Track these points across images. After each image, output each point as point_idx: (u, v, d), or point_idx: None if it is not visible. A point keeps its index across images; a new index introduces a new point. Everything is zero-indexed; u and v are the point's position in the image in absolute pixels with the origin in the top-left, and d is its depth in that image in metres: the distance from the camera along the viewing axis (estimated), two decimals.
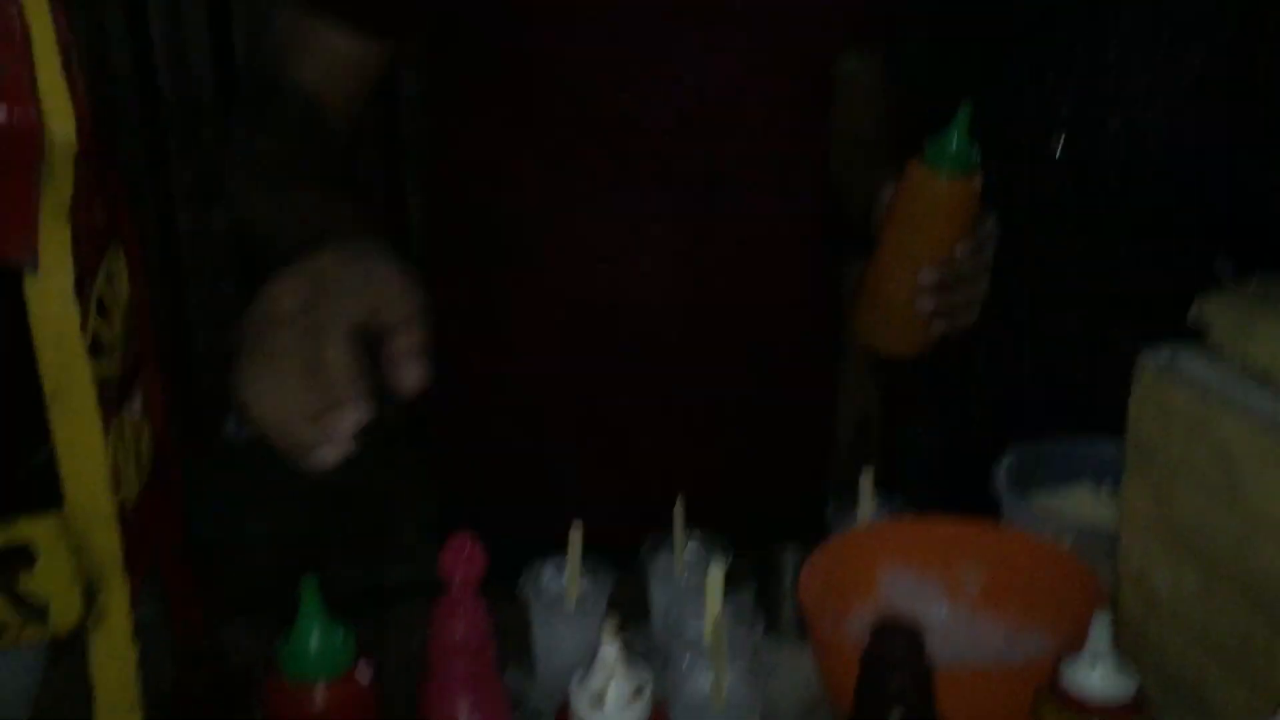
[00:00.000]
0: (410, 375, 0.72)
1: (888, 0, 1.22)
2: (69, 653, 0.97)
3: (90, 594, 0.66)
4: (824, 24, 1.14)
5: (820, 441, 1.33)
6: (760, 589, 1.00)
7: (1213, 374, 0.78)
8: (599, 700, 0.64)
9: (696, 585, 0.89)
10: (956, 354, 1.42)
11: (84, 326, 0.64)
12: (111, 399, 0.67)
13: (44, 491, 0.65)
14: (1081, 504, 1.07)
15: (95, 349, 0.65)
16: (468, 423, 1.25)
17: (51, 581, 0.65)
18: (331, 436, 0.70)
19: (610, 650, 0.64)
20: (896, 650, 0.62)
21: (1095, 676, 0.66)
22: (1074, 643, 0.70)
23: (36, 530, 0.64)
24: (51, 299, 0.63)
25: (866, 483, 1.03)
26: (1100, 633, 0.66)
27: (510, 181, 1.13)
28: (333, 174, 0.99)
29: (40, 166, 0.63)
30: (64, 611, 0.65)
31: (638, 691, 0.65)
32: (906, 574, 0.96)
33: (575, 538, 0.91)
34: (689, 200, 1.11)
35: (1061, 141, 1.31)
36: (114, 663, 0.66)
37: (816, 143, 1.20)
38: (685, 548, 0.97)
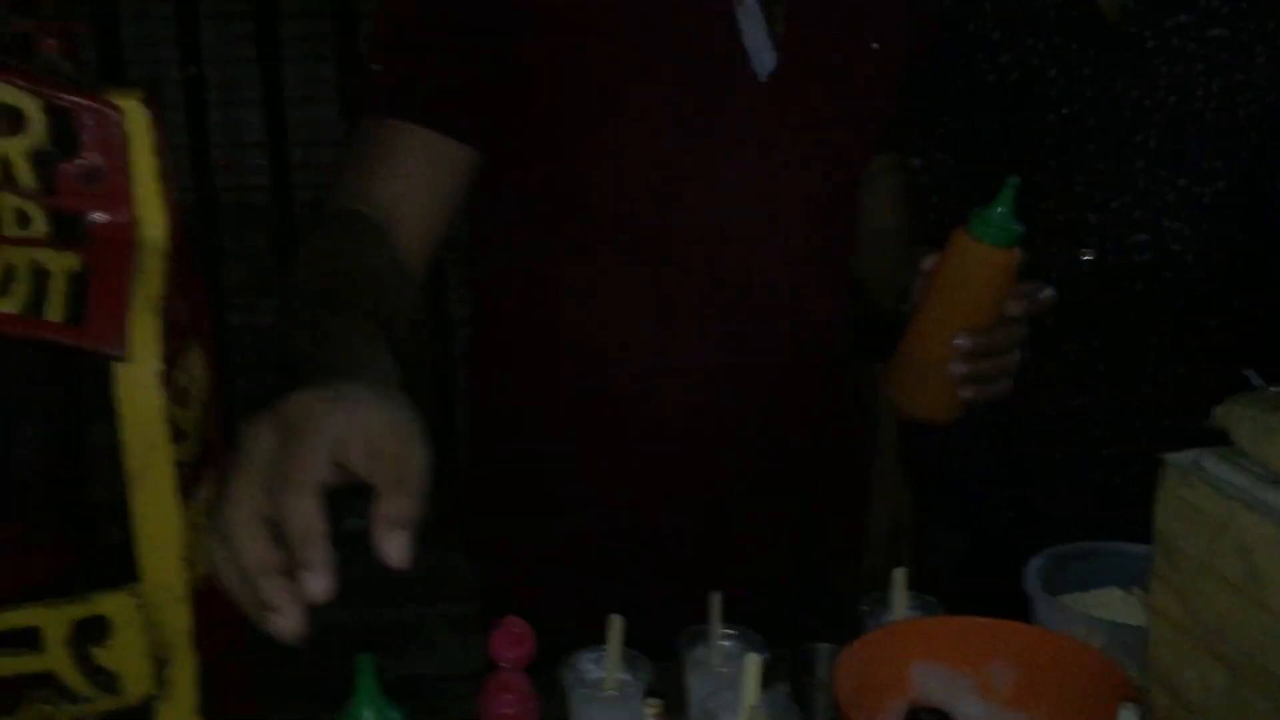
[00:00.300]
0: (390, 548, 0.64)
1: (920, 111, 1.28)
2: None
3: (160, 667, 0.69)
4: (858, 134, 1.19)
5: (854, 541, 1.36)
6: (794, 683, 1.02)
7: (1235, 476, 0.81)
8: None
9: (732, 676, 0.91)
10: (988, 459, 1.46)
11: (165, 412, 0.68)
12: (187, 482, 0.71)
13: (120, 569, 0.69)
14: (1111, 605, 1.08)
15: (175, 435, 0.70)
16: (508, 517, 1.28)
17: (125, 654, 0.68)
18: (283, 603, 0.61)
19: None
20: None
21: None
22: None
23: (113, 605, 0.68)
24: (139, 386, 0.67)
25: (899, 581, 1.05)
26: None
27: (548, 284, 1.17)
28: (377, 307, 0.91)
29: (133, 265, 0.69)
30: (136, 682, 0.69)
31: None
32: (939, 670, 0.98)
33: (615, 626, 0.93)
34: (726, 302, 1.15)
35: (1090, 253, 1.35)
36: None
37: (846, 243, 1.25)
38: (721, 639, 0.99)
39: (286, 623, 0.62)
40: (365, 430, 0.64)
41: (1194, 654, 0.83)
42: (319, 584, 0.61)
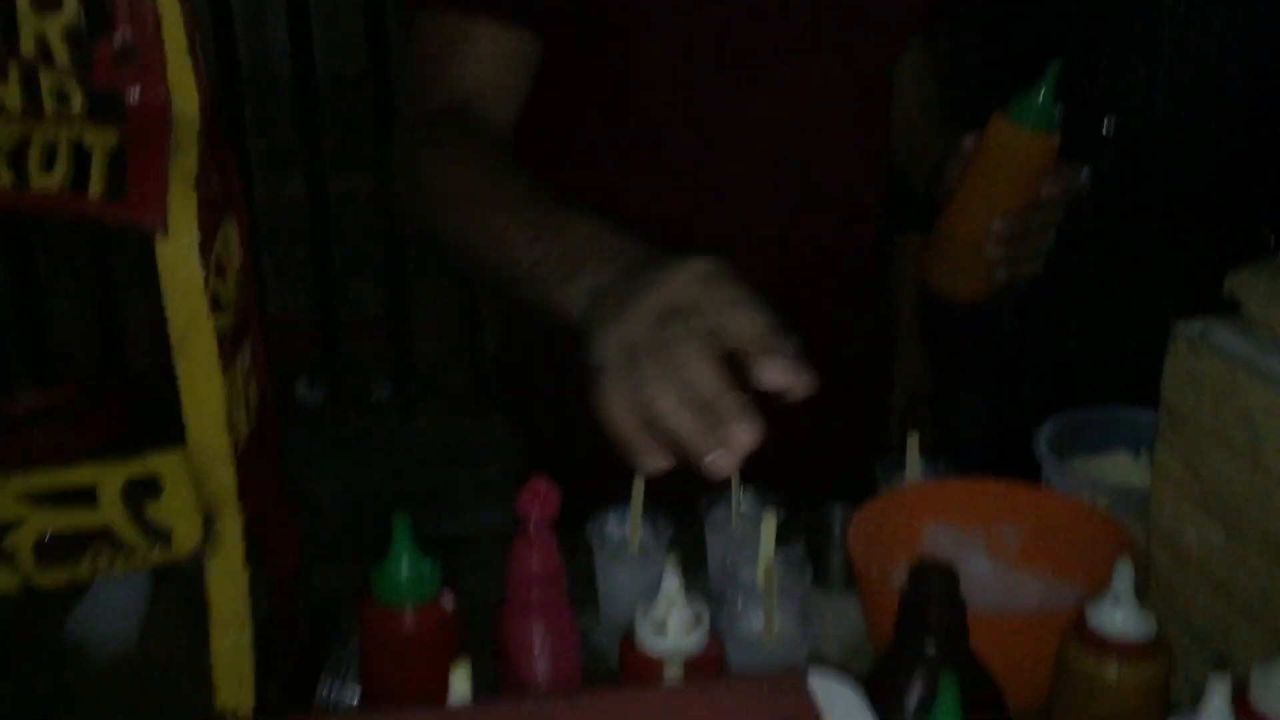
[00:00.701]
0: (785, 378, 0.72)
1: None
2: (168, 584, 1.07)
3: (208, 522, 0.73)
4: (898, 24, 1.21)
5: (876, 411, 1.39)
6: (810, 542, 1.06)
7: (1241, 344, 0.83)
8: (661, 627, 0.71)
9: (751, 535, 0.95)
10: (1007, 329, 1.48)
11: (206, 284, 0.71)
12: (227, 350, 0.74)
13: (172, 431, 0.73)
14: (1119, 469, 1.12)
15: (214, 305, 0.73)
16: (539, 390, 1.32)
17: (175, 510, 0.72)
18: (728, 444, 0.69)
19: (673, 582, 0.71)
20: (933, 588, 0.68)
21: (1117, 618, 0.72)
22: (1102, 592, 0.76)
23: (163, 464, 0.72)
24: (180, 259, 0.70)
25: (913, 445, 1.09)
26: (1122, 578, 0.72)
27: (594, 177, 1.16)
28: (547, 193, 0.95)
29: (169, 141, 0.71)
30: (185, 537, 0.73)
31: (697, 620, 0.72)
32: (949, 530, 1.02)
33: (638, 488, 0.97)
34: (777, 181, 1.17)
35: (1113, 122, 1.35)
36: (228, 583, 0.74)
37: (884, 124, 1.26)
38: (740, 500, 1.03)
39: (728, 461, 0.69)
40: (732, 301, 0.73)
41: (1194, 513, 0.86)
42: (746, 430, 0.69)
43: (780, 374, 0.71)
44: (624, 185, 1.16)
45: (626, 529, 0.99)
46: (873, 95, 1.22)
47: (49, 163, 0.69)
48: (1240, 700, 0.67)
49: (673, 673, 0.65)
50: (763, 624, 0.88)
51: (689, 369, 0.70)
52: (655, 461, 0.72)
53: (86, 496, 0.71)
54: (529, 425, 1.36)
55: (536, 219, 0.91)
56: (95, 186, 0.70)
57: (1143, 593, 0.89)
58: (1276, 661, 0.67)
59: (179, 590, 1.07)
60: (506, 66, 1.07)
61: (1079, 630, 0.74)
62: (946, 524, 1.02)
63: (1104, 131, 1.34)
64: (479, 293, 2.80)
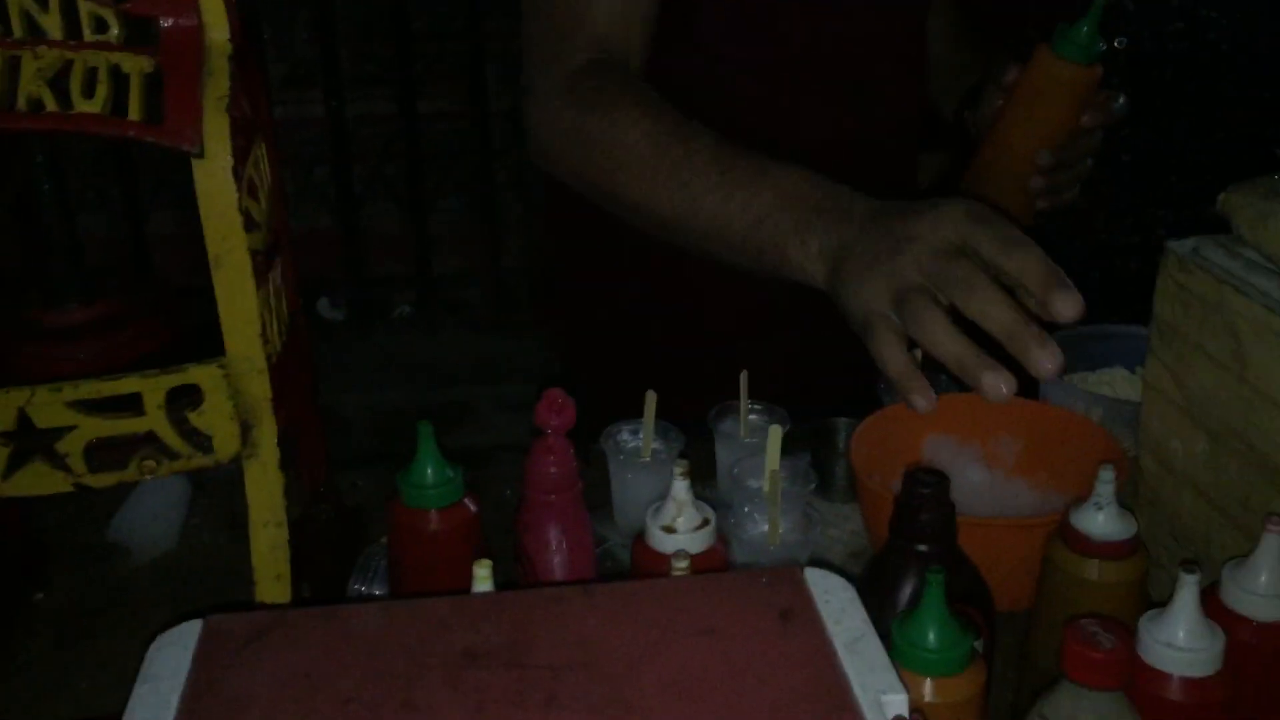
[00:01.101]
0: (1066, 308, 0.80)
1: None
2: (205, 495, 1.13)
3: (245, 429, 0.78)
4: None
5: None
6: (815, 454, 1.11)
7: (1229, 262, 0.86)
8: (670, 527, 0.76)
9: (758, 446, 1.00)
10: None
11: (239, 204, 0.75)
12: (260, 267, 0.78)
13: (209, 344, 0.77)
14: (1115, 384, 1.16)
15: (247, 224, 0.77)
16: (568, 302, 1.36)
17: (215, 417, 0.77)
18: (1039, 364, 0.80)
19: (681, 485, 0.76)
20: (925, 491, 0.72)
21: (1099, 520, 0.77)
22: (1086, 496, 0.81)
23: (202, 375, 0.77)
24: (215, 180, 0.74)
25: (916, 361, 1.12)
26: (1105, 482, 0.76)
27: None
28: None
29: (202, 66, 0.75)
30: (225, 443, 0.78)
31: (704, 522, 0.77)
32: (948, 442, 1.07)
33: (650, 401, 1.02)
34: (833, 94, 1.21)
35: (1124, 40, 1.36)
36: (265, 487, 0.79)
37: (923, 48, 1.29)
38: (748, 413, 1.08)
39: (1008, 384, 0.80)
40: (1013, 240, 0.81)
41: (1180, 424, 0.90)
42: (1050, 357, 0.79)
43: (1074, 308, 0.79)
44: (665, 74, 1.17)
45: (640, 439, 1.04)
46: (912, 31, 1.25)
47: (89, 89, 0.73)
48: (1212, 598, 0.72)
49: (679, 569, 0.70)
50: (767, 529, 0.93)
51: (986, 300, 0.77)
52: (928, 402, 0.82)
53: (132, 405, 0.76)
54: (568, 336, 1.40)
55: (742, 179, 0.94)
56: (134, 111, 0.74)
57: (1131, 500, 0.94)
58: (1246, 561, 0.72)
59: (216, 501, 1.13)
60: (634, 11, 1.07)
61: (1063, 531, 0.78)
62: (945, 436, 1.06)
63: (1115, 45, 1.36)
64: (492, 218, 2.83)
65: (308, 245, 2.76)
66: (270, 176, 0.86)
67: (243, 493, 0.80)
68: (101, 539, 1.06)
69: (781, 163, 0.95)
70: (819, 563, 1.00)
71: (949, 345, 0.79)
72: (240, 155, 0.76)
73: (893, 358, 0.81)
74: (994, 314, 0.78)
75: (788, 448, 0.97)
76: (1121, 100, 1.11)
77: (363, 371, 2.72)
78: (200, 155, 0.74)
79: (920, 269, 0.81)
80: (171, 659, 0.59)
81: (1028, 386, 1.14)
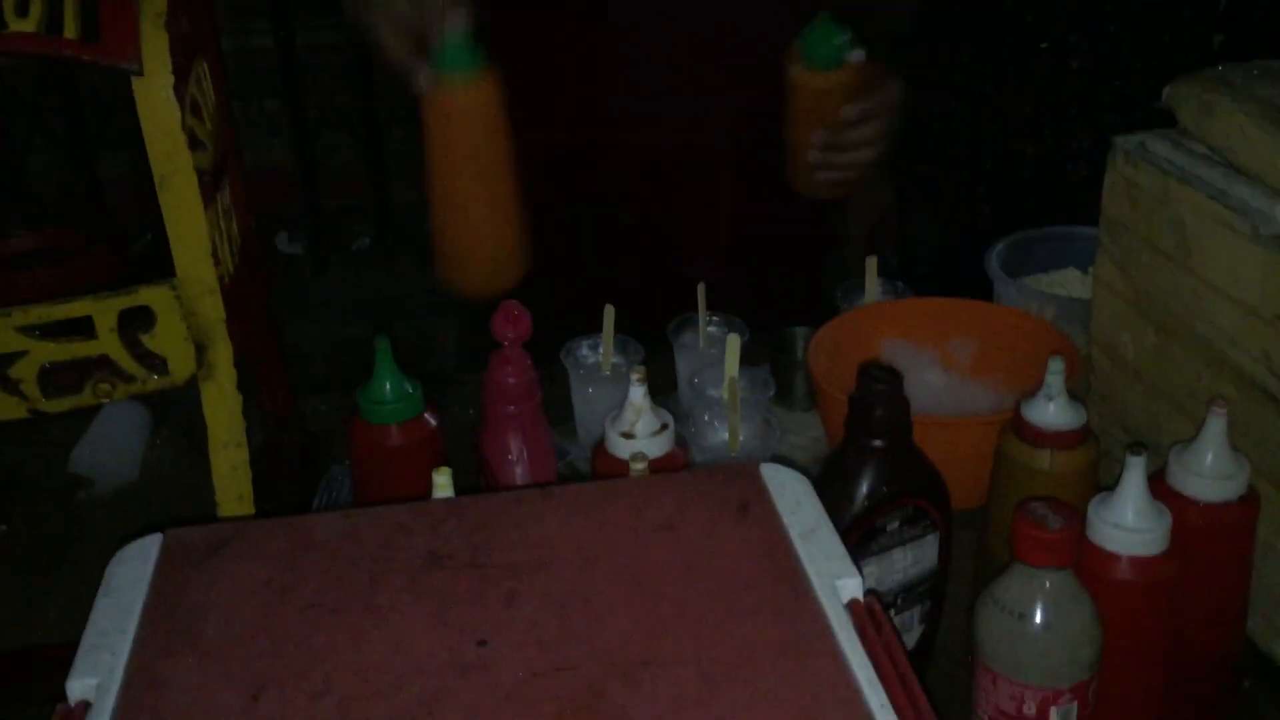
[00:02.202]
0: None
1: None
2: (165, 426, 1.12)
3: (200, 350, 0.78)
4: None
5: (829, 237, 1.44)
6: (774, 363, 1.12)
7: (1176, 155, 0.87)
8: (629, 434, 0.77)
9: (717, 356, 1.00)
10: (969, 155, 1.51)
11: (183, 122, 0.74)
12: (207, 186, 0.77)
13: (162, 260, 0.76)
14: (1069, 284, 1.17)
15: (192, 143, 0.76)
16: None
17: (168, 339, 0.77)
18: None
19: (638, 390, 0.76)
20: (879, 388, 0.73)
21: (1050, 410, 0.78)
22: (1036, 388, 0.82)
23: (154, 296, 0.76)
24: (156, 98, 0.73)
25: (871, 267, 1.13)
26: (1054, 373, 0.77)
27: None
28: None
29: None
30: (180, 365, 0.78)
31: (663, 427, 0.78)
32: (905, 346, 1.08)
33: (609, 315, 1.02)
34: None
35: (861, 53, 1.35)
36: (223, 407, 0.79)
37: None
38: (707, 325, 1.08)
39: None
40: None
41: (1130, 318, 0.91)
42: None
43: None
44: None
45: (600, 354, 1.05)
46: None
47: (23, 7, 0.72)
48: (1159, 482, 0.73)
49: (638, 471, 0.70)
50: (728, 436, 0.94)
51: None
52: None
53: (84, 329, 0.76)
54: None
55: None
56: (70, 29, 0.72)
57: (1083, 396, 0.95)
58: (1191, 444, 0.73)
59: (176, 431, 1.12)
60: None
61: (1014, 423, 0.80)
62: (903, 340, 1.08)
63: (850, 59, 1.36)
64: None
65: (263, 180, 2.72)
66: (215, 95, 0.85)
67: (203, 420, 0.80)
68: (62, 472, 1.06)
69: None
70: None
71: None
72: (181, 74, 0.75)
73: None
74: None
75: (747, 358, 0.98)
76: (883, 94, 1.15)
77: (323, 305, 2.71)
78: (139, 73, 0.73)
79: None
80: (132, 572, 0.59)
81: (985, 294, 1.16)
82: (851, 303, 1.14)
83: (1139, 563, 0.67)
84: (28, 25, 0.72)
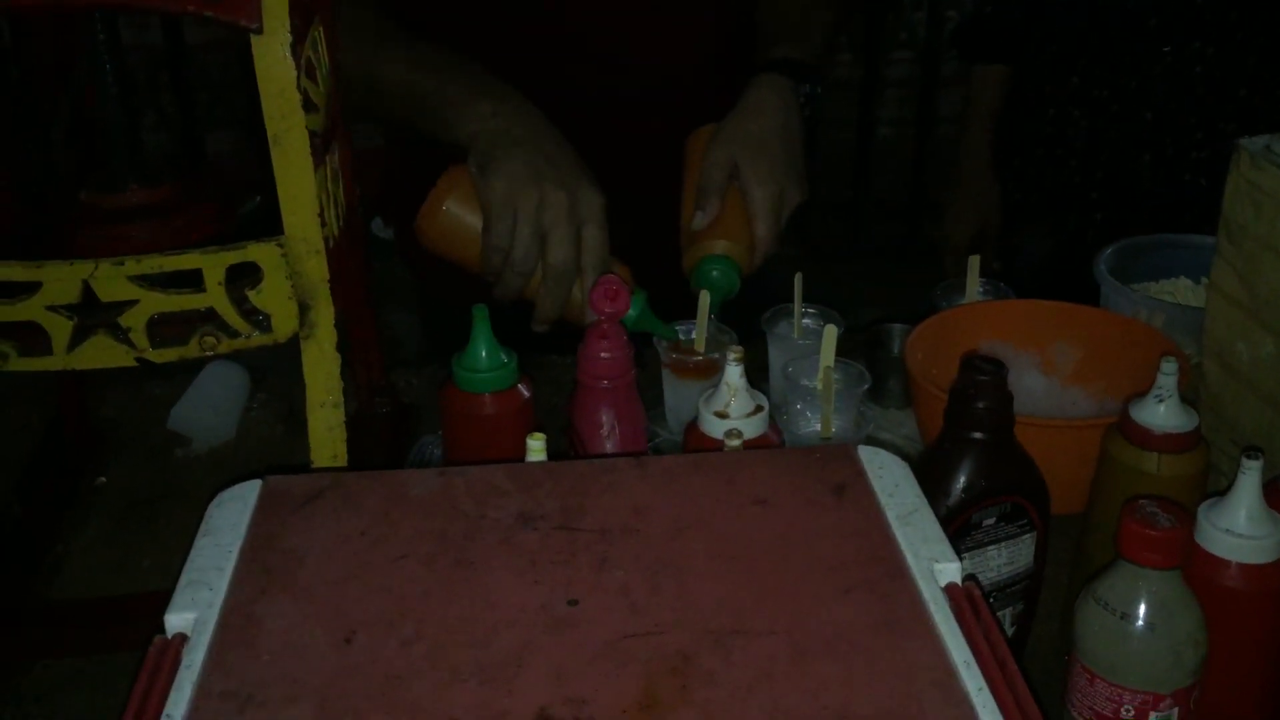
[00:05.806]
0: None
1: None
2: (264, 388, 1.14)
3: (303, 309, 0.79)
4: None
5: None
6: (869, 359, 1.10)
7: None
8: (723, 413, 0.76)
9: (812, 347, 0.99)
10: (1081, 162, 1.48)
11: (298, 82, 0.75)
12: (318, 148, 0.78)
13: (267, 225, 0.78)
14: (1179, 293, 1.13)
15: (306, 104, 0.77)
16: None
17: (273, 297, 0.78)
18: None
19: (735, 370, 0.76)
20: (983, 379, 0.71)
21: (1160, 412, 0.75)
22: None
23: (261, 253, 0.77)
24: (273, 58, 0.74)
25: (974, 267, 1.11)
26: (1167, 374, 0.75)
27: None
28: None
29: None
30: (283, 322, 0.78)
31: (758, 409, 0.77)
32: (1004, 348, 1.05)
33: (703, 300, 1.01)
34: None
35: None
36: (323, 366, 0.80)
37: None
38: (802, 315, 1.07)
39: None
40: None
41: (1246, 326, 0.88)
42: None
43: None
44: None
45: (693, 340, 1.04)
46: None
47: None
48: (1272, 490, 0.70)
49: (732, 447, 0.70)
50: (820, 427, 0.93)
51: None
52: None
53: (193, 282, 0.77)
54: None
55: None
56: None
57: (1194, 406, 0.92)
58: None
59: (274, 395, 1.14)
60: None
61: (1122, 425, 0.77)
62: (1002, 342, 1.05)
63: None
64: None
65: (361, 166, 2.77)
66: (328, 60, 0.86)
67: (300, 386, 0.81)
68: (161, 429, 1.08)
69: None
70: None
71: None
72: (298, 34, 0.76)
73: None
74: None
75: (841, 350, 0.96)
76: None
77: (414, 292, 2.73)
78: (259, 31, 0.74)
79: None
80: (231, 514, 0.60)
81: (1091, 301, 1.13)
82: (951, 302, 1.12)
83: (1249, 570, 0.65)
84: None
